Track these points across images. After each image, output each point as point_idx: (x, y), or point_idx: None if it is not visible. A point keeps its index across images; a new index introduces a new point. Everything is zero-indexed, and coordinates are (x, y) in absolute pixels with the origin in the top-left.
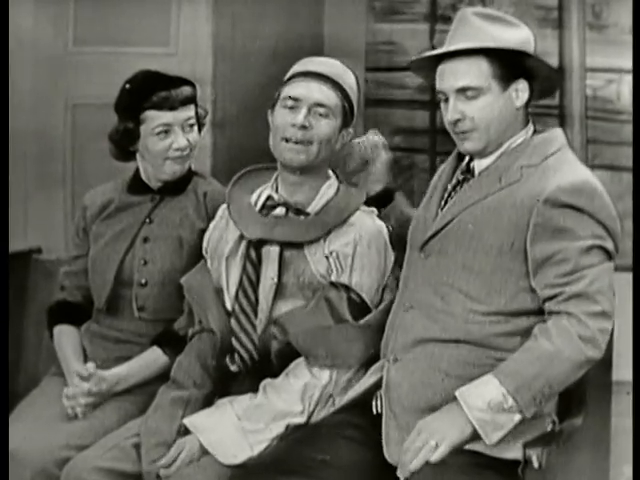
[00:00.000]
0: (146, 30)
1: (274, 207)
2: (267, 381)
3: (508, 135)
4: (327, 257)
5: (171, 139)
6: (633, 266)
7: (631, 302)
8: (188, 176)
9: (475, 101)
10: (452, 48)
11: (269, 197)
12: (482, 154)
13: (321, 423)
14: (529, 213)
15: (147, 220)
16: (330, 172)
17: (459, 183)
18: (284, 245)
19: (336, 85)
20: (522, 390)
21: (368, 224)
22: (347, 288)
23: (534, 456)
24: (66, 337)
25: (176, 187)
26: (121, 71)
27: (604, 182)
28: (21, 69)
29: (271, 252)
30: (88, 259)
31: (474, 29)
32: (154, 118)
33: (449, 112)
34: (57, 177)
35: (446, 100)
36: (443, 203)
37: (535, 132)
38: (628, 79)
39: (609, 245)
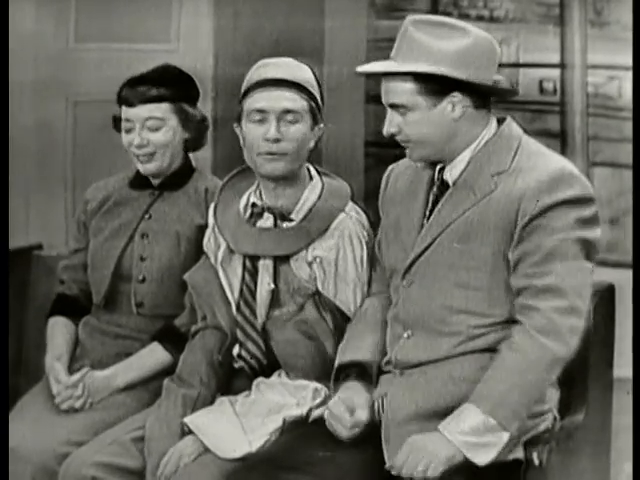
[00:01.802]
0: (147, 27)
1: (260, 214)
2: (260, 379)
3: (462, 141)
4: (311, 263)
5: (132, 136)
6: (633, 263)
7: (631, 299)
8: (188, 172)
9: (405, 116)
10: (375, 69)
11: (253, 204)
12: (434, 161)
13: (321, 420)
14: (514, 217)
15: (146, 215)
16: (312, 171)
17: (435, 200)
18: (274, 257)
19: (298, 87)
20: (499, 408)
21: (350, 227)
22: (329, 300)
23: (535, 454)
24: (57, 330)
25: (175, 182)
26: (122, 68)
27: (605, 179)
28: (22, 66)
29: (266, 264)
30: (87, 253)
31: (410, 43)
32: (122, 112)
33: (385, 126)
34: (58, 173)
35: None
36: (421, 223)
37: (499, 122)
38: (629, 76)
39: (589, 233)
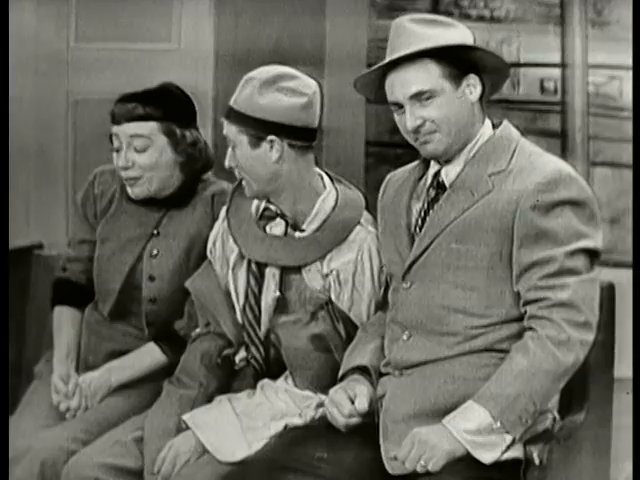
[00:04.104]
0: (148, 26)
1: (272, 218)
2: (265, 381)
3: (469, 134)
4: (326, 275)
5: (118, 157)
6: (633, 263)
7: (631, 299)
8: (192, 185)
9: (431, 104)
10: (395, 56)
11: (266, 208)
12: (446, 156)
13: (319, 420)
14: (512, 218)
15: (154, 232)
16: (326, 178)
17: (431, 203)
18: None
19: (232, 112)
20: (506, 412)
21: (368, 242)
22: (343, 312)
23: (535, 453)
24: (64, 324)
25: (180, 198)
26: (123, 67)
27: (605, 179)
28: (23, 65)
29: (273, 272)
30: (94, 248)
31: (413, 35)
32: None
33: (409, 120)
34: (59, 173)
35: (400, 111)
36: (417, 224)
37: (493, 126)
38: (630, 76)
39: (592, 243)
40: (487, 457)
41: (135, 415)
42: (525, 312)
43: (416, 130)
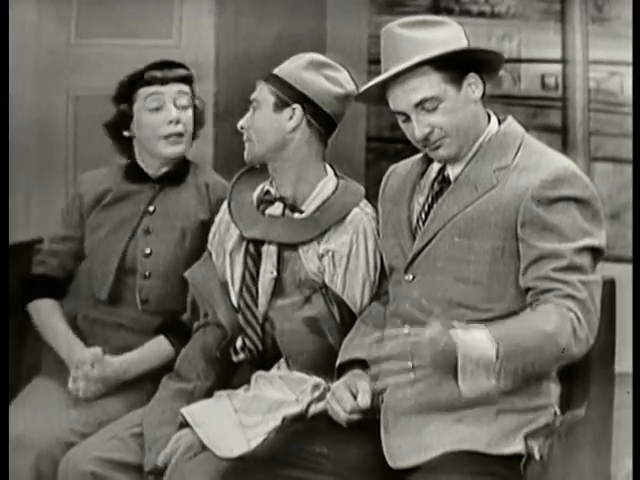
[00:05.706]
0: (149, 22)
1: (271, 202)
2: (259, 373)
3: (477, 131)
4: (322, 256)
5: (164, 113)
6: (633, 258)
7: (631, 293)
8: (185, 165)
9: (437, 110)
10: (393, 71)
11: (267, 192)
12: (459, 157)
13: (319, 416)
14: (515, 213)
15: (149, 208)
16: (328, 167)
17: (435, 196)
18: (281, 244)
19: (272, 76)
20: (511, 359)
21: (364, 223)
22: (337, 294)
23: (535, 448)
24: (52, 312)
25: (175, 176)
26: (123, 63)
27: (606, 174)
28: (24, 61)
29: (270, 250)
30: (81, 245)
31: (407, 42)
32: (146, 92)
33: (417, 129)
34: (59, 168)
35: (406, 120)
36: (420, 218)
37: (499, 122)
38: (631, 72)
39: (596, 241)
40: (465, 388)
41: (135, 409)
42: (534, 300)
43: (425, 138)
